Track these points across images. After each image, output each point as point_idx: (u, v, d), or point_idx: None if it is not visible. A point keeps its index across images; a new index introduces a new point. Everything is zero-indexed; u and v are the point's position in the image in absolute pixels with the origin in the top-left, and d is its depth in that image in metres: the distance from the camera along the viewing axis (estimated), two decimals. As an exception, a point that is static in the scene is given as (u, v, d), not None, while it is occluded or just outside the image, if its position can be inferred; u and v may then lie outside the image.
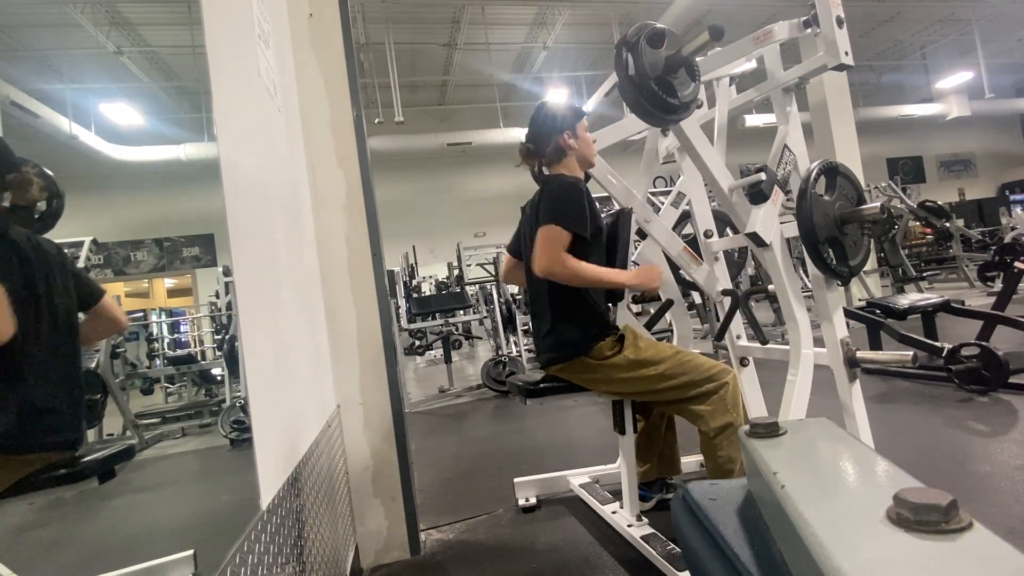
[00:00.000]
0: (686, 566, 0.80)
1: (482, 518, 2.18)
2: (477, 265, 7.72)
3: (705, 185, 2.23)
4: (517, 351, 5.41)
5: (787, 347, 1.90)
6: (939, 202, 7.09)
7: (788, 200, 1.86)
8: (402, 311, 5.71)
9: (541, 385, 1.81)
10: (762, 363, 2.15)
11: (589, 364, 1.69)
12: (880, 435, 1.90)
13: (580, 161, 1.79)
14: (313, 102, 1.96)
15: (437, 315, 5.41)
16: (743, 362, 2.17)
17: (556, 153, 1.75)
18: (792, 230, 1.87)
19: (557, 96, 9.24)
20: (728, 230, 2.93)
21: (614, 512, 1.95)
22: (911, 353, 1.76)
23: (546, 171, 1.78)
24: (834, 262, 1.69)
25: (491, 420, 4.00)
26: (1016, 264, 3.87)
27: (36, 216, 1.68)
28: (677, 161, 2.25)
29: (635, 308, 5.15)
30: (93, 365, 3.17)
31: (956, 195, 14.86)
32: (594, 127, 1.90)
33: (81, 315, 1.12)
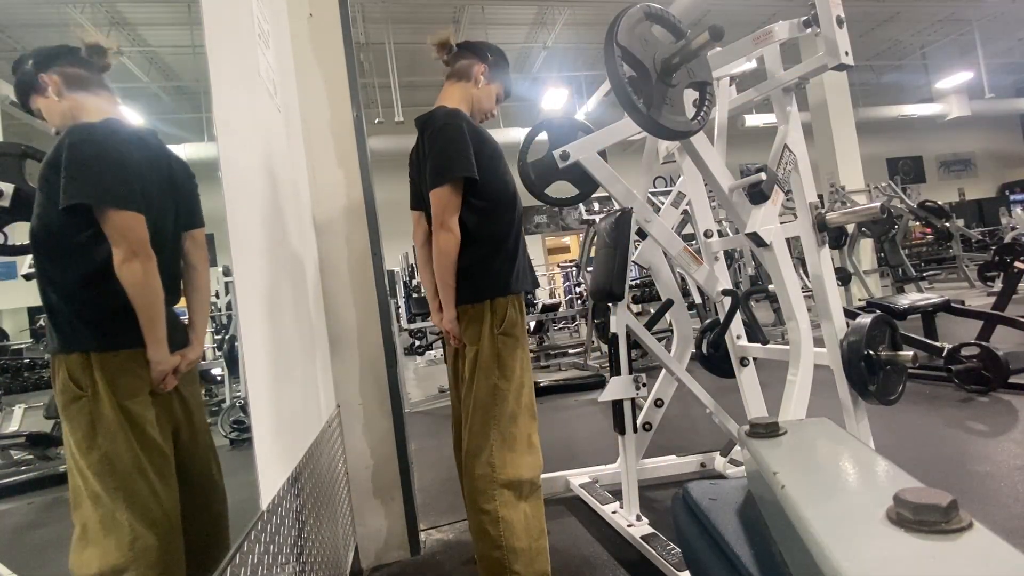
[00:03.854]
0: (686, 566, 0.80)
1: (482, 518, 2.18)
2: (477, 265, 7.71)
3: (705, 185, 2.23)
4: (517, 351, 5.39)
5: (787, 347, 1.90)
6: (939, 202, 7.08)
7: (788, 200, 1.86)
8: (402, 311, 5.70)
9: (541, 385, 1.81)
10: (762, 363, 2.15)
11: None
12: (880, 435, 1.90)
13: (475, 100, 1.64)
14: (313, 102, 1.96)
15: (437, 315, 5.39)
16: (743, 362, 2.17)
17: (465, 69, 1.64)
18: (792, 230, 1.87)
19: (557, 95, 9.23)
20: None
21: (614, 512, 1.95)
22: (911, 353, 1.76)
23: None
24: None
25: (491, 420, 3.99)
26: (1016, 264, 3.87)
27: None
28: (677, 161, 2.25)
29: (635, 308, 5.15)
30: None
31: (956, 195, 14.85)
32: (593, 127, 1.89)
33: None
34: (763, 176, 1.73)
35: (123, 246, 0.84)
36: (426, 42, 1.68)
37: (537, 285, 1.71)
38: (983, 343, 3.02)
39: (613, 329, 1.92)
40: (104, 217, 0.84)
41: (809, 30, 1.71)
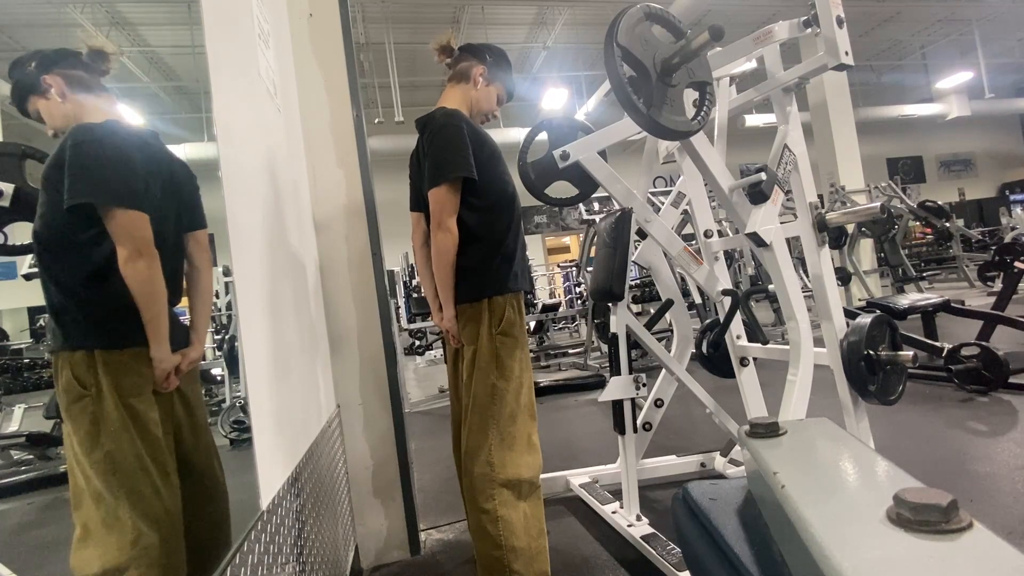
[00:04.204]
0: (686, 566, 0.80)
1: (482, 518, 2.18)
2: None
3: (705, 185, 2.23)
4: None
5: (787, 347, 1.90)
6: (939, 202, 7.07)
7: (788, 200, 1.86)
8: (402, 311, 5.70)
9: (541, 385, 1.81)
10: (762, 363, 2.15)
11: None
12: (880, 435, 1.90)
13: (473, 102, 1.65)
14: (313, 102, 1.96)
15: (437, 315, 5.39)
16: (743, 362, 2.17)
17: (464, 72, 1.63)
18: (792, 230, 1.87)
19: (557, 95, 9.23)
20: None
21: (614, 512, 1.95)
22: (911, 353, 1.76)
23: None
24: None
25: (491, 420, 3.99)
26: (1016, 264, 3.87)
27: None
28: (677, 161, 2.25)
29: (635, 308, 5.15)
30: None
31: (956, 195, 14.85)
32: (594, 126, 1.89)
33: None
34: (763, 176, 1.73)
35: (127, 245, 0.84)
36: (428, 45, 1.68)
37: (532, 287, 1.71)
38: (983, 343, 3.02)
39: (613, 329, 1.92)
40: (109, 216, 0.84)
41: (809, 30, 1.71)
